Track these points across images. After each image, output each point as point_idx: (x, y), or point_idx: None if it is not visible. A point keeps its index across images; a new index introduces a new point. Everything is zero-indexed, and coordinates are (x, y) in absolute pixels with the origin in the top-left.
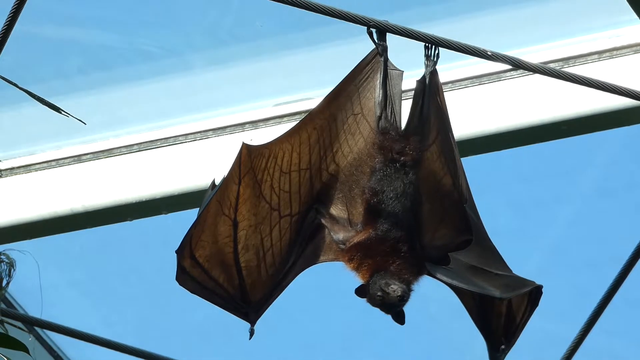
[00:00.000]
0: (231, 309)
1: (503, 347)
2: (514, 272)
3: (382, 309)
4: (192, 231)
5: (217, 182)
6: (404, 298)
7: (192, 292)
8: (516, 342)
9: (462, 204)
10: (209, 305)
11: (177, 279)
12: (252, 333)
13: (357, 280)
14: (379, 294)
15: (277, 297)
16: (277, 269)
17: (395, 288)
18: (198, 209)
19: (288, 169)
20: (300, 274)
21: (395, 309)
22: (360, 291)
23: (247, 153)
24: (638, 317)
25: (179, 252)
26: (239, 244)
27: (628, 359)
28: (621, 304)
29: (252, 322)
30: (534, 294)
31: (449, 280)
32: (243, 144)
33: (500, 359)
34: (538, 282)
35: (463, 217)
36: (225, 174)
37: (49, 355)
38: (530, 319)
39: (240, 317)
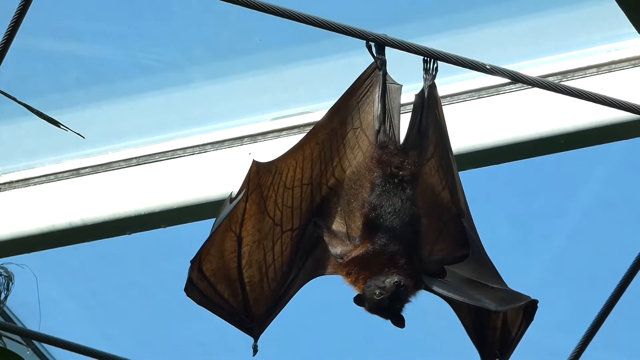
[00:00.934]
0: (235, 323)
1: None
2: (513, 285)
3: (380, 311)
4: (206, 244)
5: (234, 195)
6: (400, 284)
7: (198, 304)
8: (511, 356)
9: (460, 218)
10: (207, 319)
11: (185, 289)
12: (255, 349)
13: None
14: (377, 291)
15: (279, 311)
16: (279, 283)
17: (390, 279)
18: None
19: (291, 184)
20: (300, 289)
21: (395, 305)
22: (359, 299)
23: (256, 170)
24: (637, 330)
25: (193, 262)
26: (242, 260)
27: None
28: (620, 317)
29: (256, 337)
30: (529, 308)
31: (446, 293)
32: (253, 161)
33: None
34: (538, 295)
35: (461, 232)
36: (237, 191)
37: None
38: (529, 332)
39: (244, 332)
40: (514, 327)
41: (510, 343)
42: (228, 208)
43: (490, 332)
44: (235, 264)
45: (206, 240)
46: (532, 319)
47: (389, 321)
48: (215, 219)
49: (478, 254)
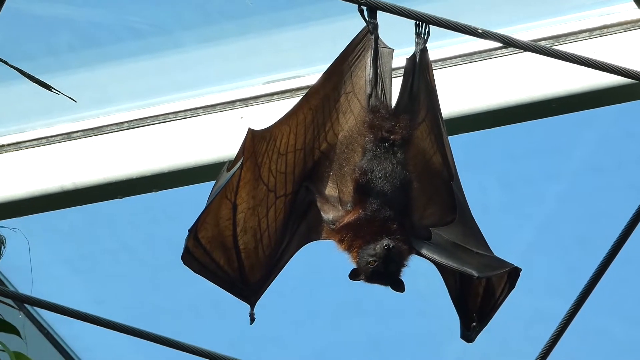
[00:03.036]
0: (231, 290)
1: (474, 324)
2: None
3: (378, 278)
4: (204, 212)
5: (228, 167)
6: (391, 248)
7: (195, 272)
8: (489, 322)
9: (449, 182)
10: (199, 283)
11: (182, 258)
12: (252, 318)
13: (348, 261)
14: (370, 259)
15: (274, 278)
16: (274, 249)
17: (380, 244)
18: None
19: (285, 150)
20: (294, 255)
21: (391, 269)
22: (354, 274)
23: (252, 138)
24: (628, 294)
25: (190, 230)
26: (237, 227)
27: (618, 336)
28: (611, 281)
29: (252, 304)
30: (512, 275)
31: (432, 256)
32: (249, 129)
33: (470, 337)
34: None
35: (450, 195)
36: (234, 159)
37: (39, 333)
38: (519, 296)
39: (241, 299)
40: (495, 294)
41: (489, 309)
42: (226, 177)
43: (472, 298)
44: (230, 231)
45: (204, 209)
46: (514, 287)
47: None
48: (212, 187)
49: (465, 219)
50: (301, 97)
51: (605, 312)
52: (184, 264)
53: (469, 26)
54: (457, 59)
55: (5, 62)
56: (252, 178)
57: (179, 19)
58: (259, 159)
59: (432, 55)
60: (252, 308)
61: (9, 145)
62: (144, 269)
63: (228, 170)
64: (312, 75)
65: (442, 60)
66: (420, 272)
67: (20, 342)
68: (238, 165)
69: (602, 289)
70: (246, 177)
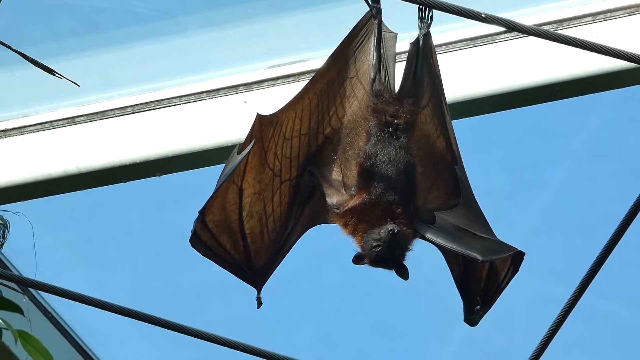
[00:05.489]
0: (238, 274)
1: (478, 307)
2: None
3: (382, 262)
4: (213, 197)
5: (238, 151)
6: (396, 232)
7: (203, 255)
8: (492, 306)
9: (453, 166)
10: (202, 268)
11: (190, 241)
12: (259, 302)
13: (352, 245)
14: (374, 243)
15: (280, 262)
16: (279, 233)
17: (384, 229)
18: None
19: (291, 135)
20: (299, 238)
21: (396, 254)
22: (357, 258)
23: (259, 123)
24: (631, 278)
25: (201, 211)
26: (243, 211)
27: (621, 319)
28: (615, 265)
29: (258, 288)
30: (515, 259)
31: (436, 240)
32: (257, 114)
33: (474, 320)
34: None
35: (454, 179)
36: (242, 144)
37: (43, 316)
38: (523, 279)
39: (247, 283)
40: (498, 278)
41: (493, 293)
42: (235, 161)
43: (475, 281)
44: (236, 215)
45: (213, 193)
46: (518, 271)
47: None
48: (220, 171)
49: (469, 203)
50: (304, 81)
51: (609, 295)
52: (192, 246)
53: (472, 10)
54: (460, 43)
55: (9, 47)
56: (259, 163)
57: (183, 3)
58: (265, 143)
59: (436, 39)
60: (259, 292)
61: (12, 129)
62: (147, 253)
63: (238, 153)
64: (315, 60)
65: (446, 44)
66: (425, 255)
67: (24, 322)
68: (249, 148)
69: (605, 273)
70: (253, 161)
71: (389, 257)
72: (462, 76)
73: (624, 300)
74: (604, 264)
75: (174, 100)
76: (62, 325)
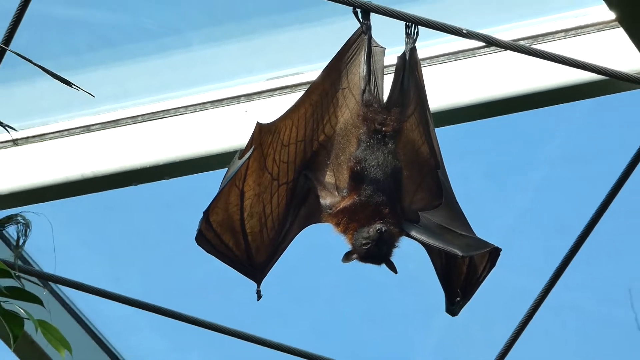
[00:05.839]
0: (239, 270)
1: (458, 299)
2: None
3: (371, 258)
4: (216, 198)
5: (239, 156)
6: (384, 231)
7: (207, 252)
8: (471, 298)
9: (436, 170)
10: (206, 263)
11: (196, 239)
12: (259, 294)
13: (344, 243)
14: (365, 241)
15: (278, 258)
16: (277, 232)
17: (373, 228)
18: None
19: (288, 142)
20: (296, 237)
21: (384, 251)
22: (347, 257)
23: (259, 131)
24: (598, 272)
25: (206, 211)
26: (244, 212)
27: (588, 310)
28: (583, 260)
29: (258, 283)
30: (493, 255)
31: (421, 238)
32: (257, 123)
33: (455, 311)
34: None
35: (437, 182)
36: (243, 150)
37: (61, 307)
38: (501, 274)
39: (248, 278)
40: (477, 272)
41: (472, 287)
42: (237, 166)
43: (456, 275)
44: (238, 216)
45: (216, 195)
46: (495, 265)
47: (376, 268)
48: (223, 174)
49: (451, 204)
50: (301, 92)
51: (577, 288)
52: (198, 244)
53: (455, 27)
54: (443, 57)
55: (30, 61)
56: (258, 167)
57: (188, 20)
58: (264, 149)
59: (421, 53)
60: (259, 286)
61: (33, 137)
62: (157, 250)
63: (239, 158)
64: (311, 72)
65: (430, 58)
66: (410, 253)
67: (44, 313)
68: (249, 153)
69: (574, 268)
70: (253, 166)
71: (377, 253)
72: (445, 87)
73: (590, 293)
74: (572, 260)
75: (181, 109)
76: (79, 315)
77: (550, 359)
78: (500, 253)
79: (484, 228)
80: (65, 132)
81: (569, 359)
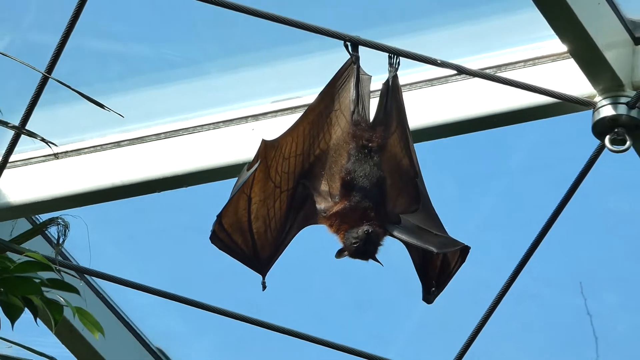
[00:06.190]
0: (247, 264)
1: (434, 289)
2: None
3: (360, 255)
4: (228, 204)
5: (247, 168)
6: (370, 232)
7: (220, 249)
8: (444, 288)
9: (414, 179)
10: (220, 259)
11: (210, 238)
12: (264, 285)
13: (336, 241)
14: (354, 240)
15: (280, 254)
16: (279, 232)
17: (361, 229)
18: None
19: (288, 155)
20: (295, 236)
21: (370, 248)
22: (339, 253)
23: (264, 146)
24: (553, 266)
25: (219, 215)
26: (251, 215)
27: (545, 298)
28: (541, 256)
29: (263, 275)
30: (463, 252)
31: (401, 237)
32: (262, 140)
33: (430, 299)
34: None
35: (415, 189)
36: (251, 162)
37: (95, 297)
38: (469, 268)
39: (255, 271)
40: (449, 266)
41: (445, 278)
42: (245, 176)
43: (432, 269)
44: (246, 218)
45: (228, 201)
46: (465, 261)
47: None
48: (233, 183)
49: (428, 208)
50: (299, 113)
51: (536, 280)
52: (212, 242)
53: (431, 58)
54: (421, 83)
55: (69, 87)
56: (263, 177)
57: (205, 53)
58: (269, 162)
59: (402, 80)
60: (264, 278)
61: (71, 151)
62: (176, 247)
63: (247, 170)
64: (308, 97)
65: (410, 84)
66: (393, 249)
67: (81, 301)
68: (256, 166)
69: (533, 262)
70: (259, 176)
71: (365, 251)
72: (422, 109)
73: (547, 283)
74: (531, 256)
75: (197, 128)
76: (110, 303)
77: (514, 340)
78: (470, 250)
79: (455, 229)
80: (99, 147)
81: (529, 339)
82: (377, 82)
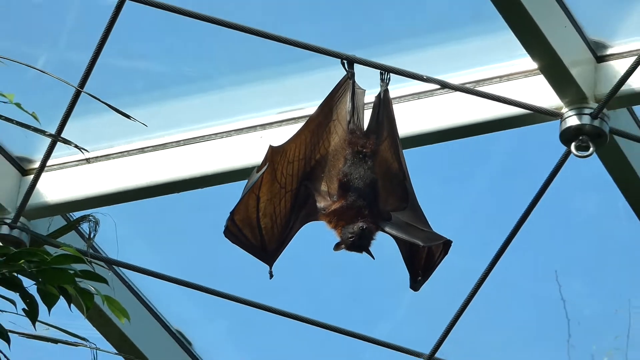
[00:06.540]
0: (256, 255)
1: (420, 278)
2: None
3: (355, 248)
4: (239, 202)
5: (256, 170)
6: (365, 228)
7: (232, 242)
8: (430, 276)
9: (403, 181)
10: (232, 251)
11: (224, 232)
12: (271, 274)
13: (334, 236)
14: (350, 235)
15: (285, 247)
16: (284, 227)
17: (357, 225)
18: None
19: (292, 159)
20: (298, 231)
21: (365, 242)
22: (336, 247)
23: (271, 151)
24: (529, 256)
25: (231, 212)
26: (260, 212)
27: (521, 286)
28: (517, 248)
29: (270, 265)
30: (446, 245)
31: (392, 232)
32: (269, 146)
33: (417, 287)
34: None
35: (404, 190)
36: (259, 165)
37: (122, 286)
38: (452, 258)
39: (262, 261)
40: (434, 258)
41: (430, 269)
42: (254, 178)
43: (418, 260)
44: (255, 215)
45: (239, 200)
46: (447, 253)
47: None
48: (244, 184)
49: (415, 207)
50: (302, 123)
51: (512, 269)
52: (225, 237)
53: (418, 74)
54: (409, 96)
55: (99, 100)
56: (270, 179)
57: (219, 69)
58: (275, 165)
59: (392, 94)
60: (271, 268)
61: (101, 157)
62: (194, 241)
63: (256, 172)
64: (310, 108)
65: (399, 97)
66: (384, 243)
67: (109, 290)
68: (264, 169)
69: (510, 253)
70: (266, 178)
71: (360, 244)
72: (410, 119)
73: (523, 272)
74: (508, 248)
75: (212, 136)
76: (136, 291)
77: (493, 323)
78: (452, 244)
79: (439, 225)
80: (125, 153)
81: (506, 324)
82: (370, 95)
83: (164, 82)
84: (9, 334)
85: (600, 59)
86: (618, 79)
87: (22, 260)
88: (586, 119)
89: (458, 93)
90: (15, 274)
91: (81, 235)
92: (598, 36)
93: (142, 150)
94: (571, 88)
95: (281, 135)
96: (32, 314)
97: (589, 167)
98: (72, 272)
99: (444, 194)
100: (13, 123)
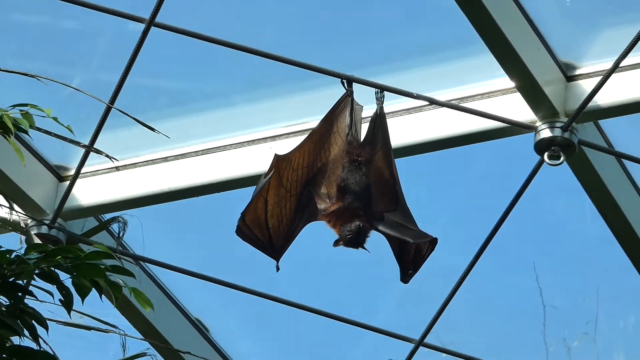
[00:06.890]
0: (264, 251)
1: (410, 271)
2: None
3: (352, 244)
4: (249, 204)
5: (264, 176)
6: (360, 226)
7: (243, 240)
8: (419, 270)
9: (394, 186)
10: (243, 247)
11: (236, 232)
12: (278, 268)
13: (333, 234)
14: (347, 233)
15: (290, 244)
16: (289, 227)
17: (354, 224)
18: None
19: (296, 167)
20: (302, 230)
21: (360, 239)
22: (335, 243)
23: (277, 160)
24: (509, 251)
25: (242, 213)
26: (268, 214)
27: (501, 279)
28: (498, 244)
29: (277, 260)
30: (432, 243)
31: (384, 230)
32: (275, 154)
33: (406, 279)
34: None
35: (395, 194)
36: (266, 172)
37: (149, 280)
38: (438, 254)
39: (270, 257)
40: (422, 254)
41: (418, 263)
42: (262, 183)
43: (407, 255)
44: (263, 216)
45: (249, 202)
46: (434, 250)
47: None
48: (254, 188)
49: (404, 208)
50: (305, 135)
51: (494, 264)
52: (237, 235)
53: (409, 92)
54: (401, 111)
55: (127, 114)
56: (277, 184)
57: (233, 88)
58: (281, 172)
59: (386, 109)
60: (277, 262)
61: (129, 165)
62: (212, 238)
63: (264, 178)
64: (312, 122)
65: (392, 112)
66: (377, 240)
67: (136, 283)
68: (270, 175)
69: (491, 249)
70: (273, 183)
71: (356, 241)
72: (402, 132)
73: (503, 266)
74: (489, 244)
75: (227, 146)
76: (160, 283)
77: (476, 311)
78: (437, 241)
79: (427, 225)
80: (150, 162)
81: (488, 314)
82: (367, 111)
83: (184, 99)
84: (48, 321)
85: (570, 78)
86: (586, 96)
87: (59, 257)
88: (557, 132)
89: (444, 109)
90: (53, 269)
91: (111, 234)
92: (568, 58)
93: (165, 159)
94: (544, 104)
95: (288, 146)
96: (67, 304)
97: (559, 174)
98: (103, 267)
99: (431, 198)
100: (51, 135)
